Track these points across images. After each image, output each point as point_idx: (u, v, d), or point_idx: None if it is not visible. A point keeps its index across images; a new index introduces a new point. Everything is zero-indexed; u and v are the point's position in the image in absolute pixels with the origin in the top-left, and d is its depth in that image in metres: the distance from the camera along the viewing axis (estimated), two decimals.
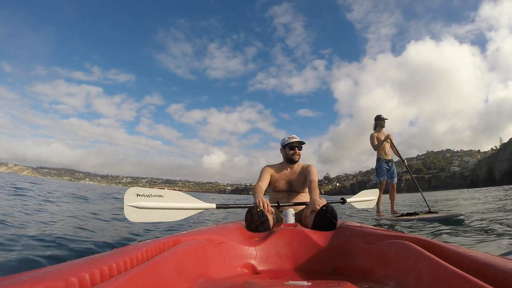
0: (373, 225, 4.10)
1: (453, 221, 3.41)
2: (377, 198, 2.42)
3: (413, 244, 0.80)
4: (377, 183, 4.93)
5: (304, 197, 2.16)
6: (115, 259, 0.60)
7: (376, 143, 4.94)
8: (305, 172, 2.16)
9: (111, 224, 3.07)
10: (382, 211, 4.92)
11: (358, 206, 2.28)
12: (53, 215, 3.45)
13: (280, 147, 2.32)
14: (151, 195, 1.46)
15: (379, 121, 5.07)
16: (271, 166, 2.24)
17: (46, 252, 1.78)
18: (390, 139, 4.91)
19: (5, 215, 2.98)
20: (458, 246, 0.74)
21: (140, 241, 0.94)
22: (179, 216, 1.56)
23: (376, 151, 5.02)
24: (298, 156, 2.20)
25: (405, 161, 5.08)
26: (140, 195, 1.44)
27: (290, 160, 2.21)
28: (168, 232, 2.88)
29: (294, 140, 2.20)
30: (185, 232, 1.08)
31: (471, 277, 0.53)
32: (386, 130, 5.11)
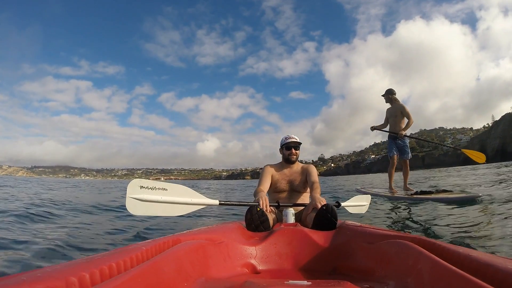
0: (388, 197, 3.92)
1: (469, 203, 3.22)
2: (368, 204, 2.42)
3: (413, 244, 0.80)
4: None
5: (305, 197, 2.17)
6: (115, 258, 0.60)
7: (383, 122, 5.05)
8: (306, 172, 2.17)
9: (111, 224, 3.07)
10: (394, 187, 4.85)
11: (351, 210, 2.28)
12: (51, 215, 3.45)
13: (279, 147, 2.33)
14: (155, 187, 1.40)
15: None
16: (271, 166, 2.25)
17: (45, 252, 1.78)
18: (372, 127, 4.96)
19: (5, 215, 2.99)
20: (458, 246, 0.75)
21: (140, 241, 0.94)
22: (182, 211, 1.51)
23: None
24: (295, 156, 2.20)
25: (401, 133, 4.77)
26: (144, 187, 1.37)
27: (287, 160, 2.22)
28: (168, 232, 2.88)
29: (290, 140, 2.21)
30: (185, 231, 1.08)
31: (471, 277, 0.53)
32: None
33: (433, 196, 3.75)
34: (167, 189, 1.45)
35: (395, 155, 4.74)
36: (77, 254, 1.82)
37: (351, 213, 2.23)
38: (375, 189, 5.61)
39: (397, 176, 5.24)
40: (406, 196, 4.19)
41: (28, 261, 1.59)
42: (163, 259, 0.69)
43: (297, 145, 2.21)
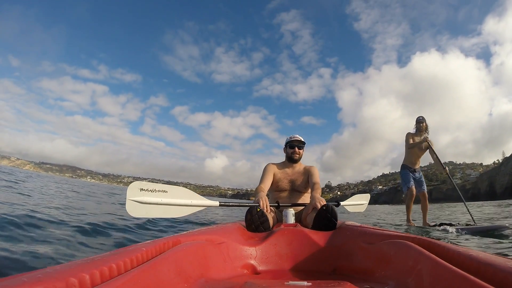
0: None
1: (495, 235, 2.95)
2: (367, 202, 2.41)
3: (413, 244, 0.80)
4: (405, 191, 4.51)
5: (306, 197, 2.17)
6: (115, 259, 0.60)
7: (411, 142, 4.53)
8: (308, 173, 2.17)
9: (111, 224, 3.06)
10: (412, 221, 4.50)
11: (350, 209, 2.30)
12: (50, 214, 3.45)
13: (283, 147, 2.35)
14: (155, 190, 1.41)
15: (417, 124, 4.66)
16: (274, 164, 2.25)
17: (45, 252, 1.78)
18: (428, 142, 4.41)
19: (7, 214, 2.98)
20: (458, 246, 0.75)
21: (140, 242, 0.94)
22: (182, 213, 1.52)
23: (403, 156, 4.70)
24: (298, 155, 2.21)
25: (446, 168, 4.49)
26: (144, 189, 1.38)
27: (290, 159, 2.22)
28: (168, 233, 2.87)
29: (294, 139, 2.22)
30: (185, 232, 1.08)
31: (471, 277, 0.53)
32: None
33: (455, 227, 3.52)
34: (167, 191, 1.46)
35: (413, 187, 4.44)
36: (77, 255, 1.82)
37: (351, 214, 2.24)
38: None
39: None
40: (425, 226, 4.01)
41: (28, 261, 1.58)
42: (163, 260, 0.69)
43: (301, 145, 2.22)
